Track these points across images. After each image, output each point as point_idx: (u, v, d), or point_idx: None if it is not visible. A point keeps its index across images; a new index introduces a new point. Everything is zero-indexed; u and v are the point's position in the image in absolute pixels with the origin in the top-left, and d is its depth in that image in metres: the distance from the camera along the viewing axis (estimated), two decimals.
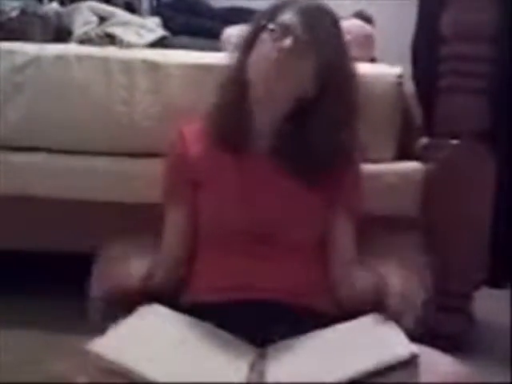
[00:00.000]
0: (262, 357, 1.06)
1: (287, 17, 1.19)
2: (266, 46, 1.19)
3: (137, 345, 1.03)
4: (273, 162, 1.24)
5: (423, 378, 0.96)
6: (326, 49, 1.18)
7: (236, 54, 1.27)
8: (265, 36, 1.20)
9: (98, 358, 0.98)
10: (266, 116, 1.24)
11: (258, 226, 1.21)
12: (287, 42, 1.16)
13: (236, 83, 1.23)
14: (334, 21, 1.24)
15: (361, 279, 1.22)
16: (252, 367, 1.02)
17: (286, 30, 1.18)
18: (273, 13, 1.22)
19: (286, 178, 1.23)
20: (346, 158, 1.26)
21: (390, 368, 0.95)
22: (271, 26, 1.20)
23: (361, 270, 1.24)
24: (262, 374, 1.01)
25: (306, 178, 1.22)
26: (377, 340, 1.05)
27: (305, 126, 1.22)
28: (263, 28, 1.21)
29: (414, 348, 0.98)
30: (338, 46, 1.23)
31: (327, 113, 1.21)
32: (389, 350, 0.99)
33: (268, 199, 1.23)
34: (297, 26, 1.18)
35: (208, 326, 1.12)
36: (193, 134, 1.29)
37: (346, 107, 1.24)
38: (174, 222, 1.29)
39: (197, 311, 1.16)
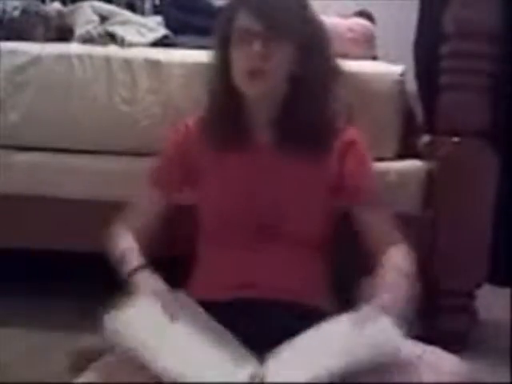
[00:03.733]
0: (262, 356, 1.05)
1: (245, 19, 1.19)
2: (238, 54, 1.20)
3: (143, 332, 1.03)
4: (274, 153, 1.25)
5: (426, 376, 0.97)
6: (295, 29, 1.19)
7: (217, 54, 1.27)
8: (233, 41, 1.21)
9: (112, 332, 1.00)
10: (261, 109, 1.25)
11: (261, 219, 1.21)
12: (255, 47, 1.17)
13: (223, 84, 1.24)
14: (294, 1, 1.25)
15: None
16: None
17: (248, 34, 1.18)
18: (230, 16, 1.22)
19: (289, 168, 1.23)
20: (347, 135, 1.28)
21: (385, 366, 0.96)
22: (233, 33, 1.21)
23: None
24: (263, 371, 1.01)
25: (307, 158, 1.22)
26: (371, 338, 1.04)
27: (296, 100, 1.23)
28: (229, 33, 1.22)
29: (404, 347, 0.97)
30: (306, 22, 1.23)
31: (313, 78, 1.22)
32: (380, 348, 0.98)
33: (271, 190, 1.23)
34: (256, 25, 1.18)
35: (212, 322, 1.12)
36: (197, 126, 1.30)
37: (329, 70, 1.26)
38: (154, 201, 1.32)
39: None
